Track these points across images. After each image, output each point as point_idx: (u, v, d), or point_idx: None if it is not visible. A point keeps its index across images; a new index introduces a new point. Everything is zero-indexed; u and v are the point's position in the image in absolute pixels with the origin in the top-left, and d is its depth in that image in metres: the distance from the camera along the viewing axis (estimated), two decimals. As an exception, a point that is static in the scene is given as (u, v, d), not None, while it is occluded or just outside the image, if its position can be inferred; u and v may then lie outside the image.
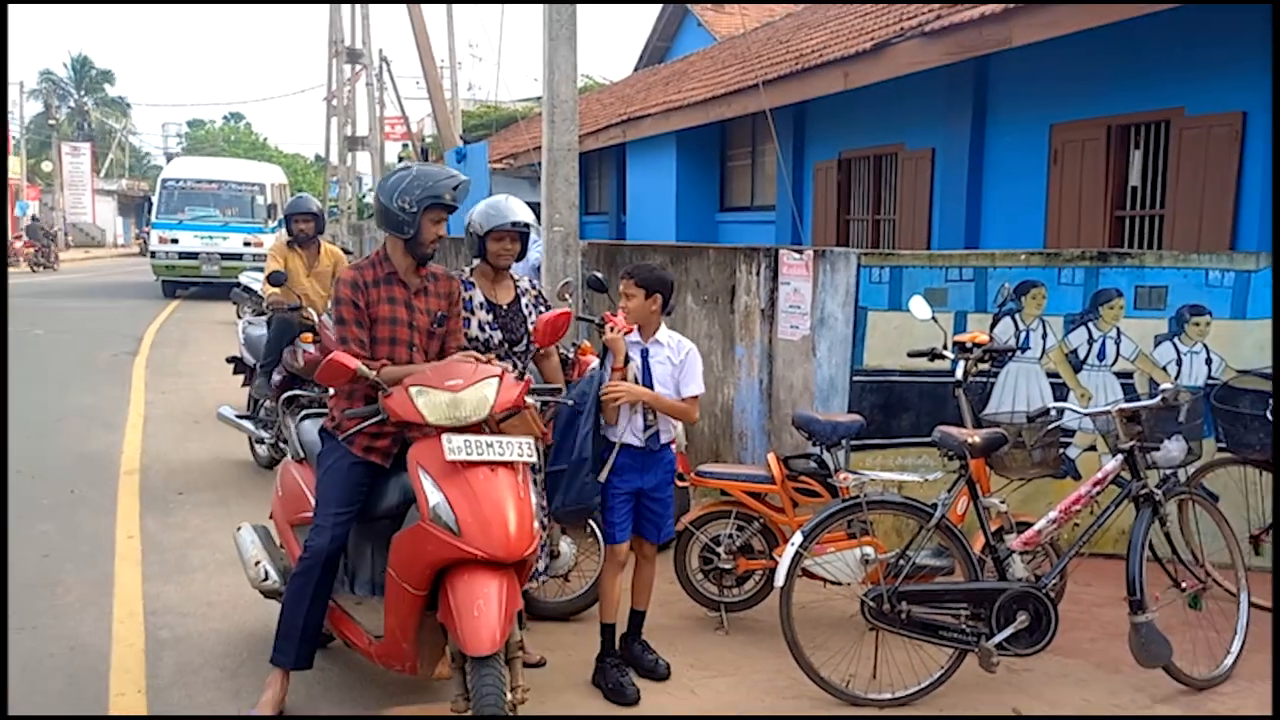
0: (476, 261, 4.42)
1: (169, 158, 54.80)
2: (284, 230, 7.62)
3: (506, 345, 4.31)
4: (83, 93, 65.13)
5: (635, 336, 4.15)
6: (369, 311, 3.83)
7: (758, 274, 6.29)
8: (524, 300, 4.45)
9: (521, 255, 4.43)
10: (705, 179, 14.71)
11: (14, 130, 48.74)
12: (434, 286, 3.99)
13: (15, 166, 46.93)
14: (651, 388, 4.09)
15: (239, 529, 4.40)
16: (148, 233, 22.85)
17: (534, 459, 3.61)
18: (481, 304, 4.33)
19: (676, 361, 4.15)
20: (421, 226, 3.80)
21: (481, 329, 4.31)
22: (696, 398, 4.19)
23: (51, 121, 53.76)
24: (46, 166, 53.73)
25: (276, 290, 7.03)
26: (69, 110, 63.23)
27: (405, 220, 3.78)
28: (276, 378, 7.21)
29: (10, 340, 13.76)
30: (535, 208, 9.41)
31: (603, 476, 4.06)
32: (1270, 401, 4.69)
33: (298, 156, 74.60)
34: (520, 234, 4.33)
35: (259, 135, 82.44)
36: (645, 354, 4.14)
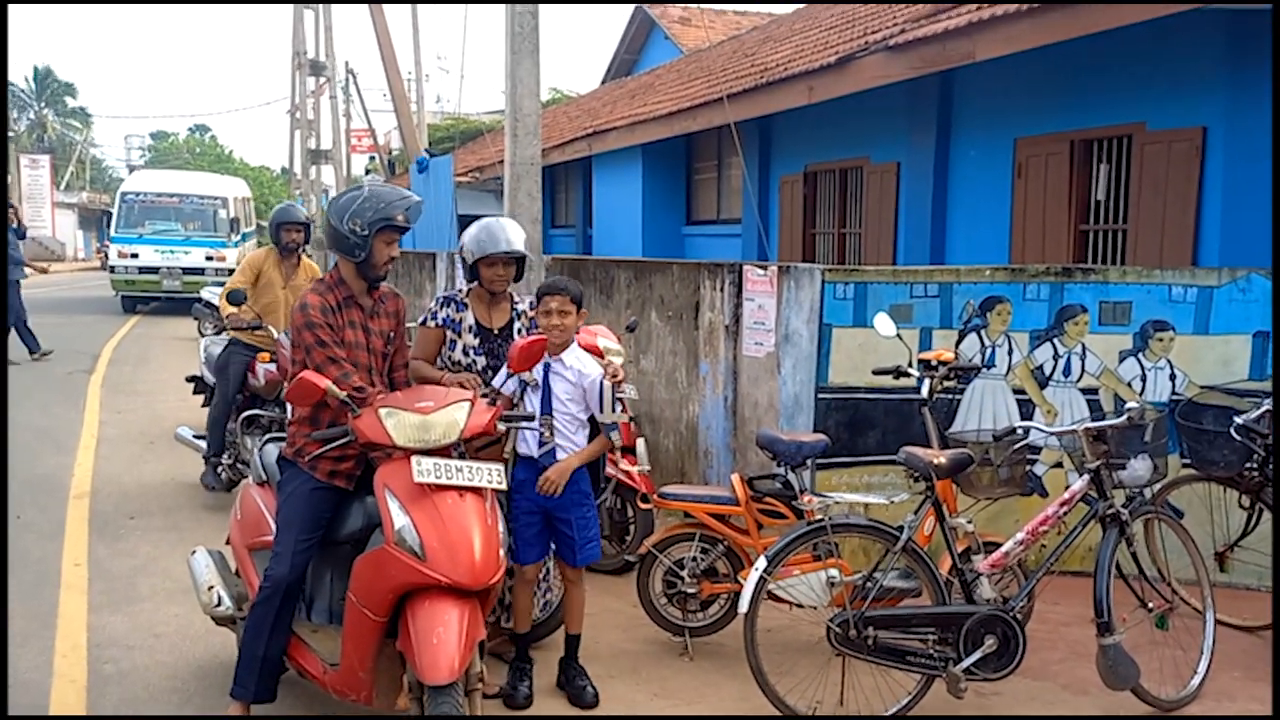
0: (469, 283, 4.33)
1: (132, 170, 54.14)
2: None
3: (492, 371, 4.23)
4: (43, 104, 64.22)
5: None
6: (339, 335, 3.78)
7: (722, 290, 6.22)
8: (518, 324, 4.36)
9: (519, 278, 4.35)
10: (671, 192, 14.68)
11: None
12: (384, 307, 3.97)
13: (-29, 180, 46.17)
14: (550, 404, 4.02)
15: (193, 553, 4.27)
16: (108, 246, 22.45)
17: (504, 486, 3.56)
18: (471, 327, 4.25)
19: (578, 383, 4.05)
20: (373, 249, 3.75)
21: (466, 353, 4.23)
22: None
23: (10, 134, 52.93)
24: (5, 179, 52.83)
25: (234, 309, 6.85)
26: (29, 122, 62.31)
27: (356, 243, 3.72)
28: (241, 399, 7.02)
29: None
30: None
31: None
32: (1234, 418, 4.67)
33: (264, 169, 74.07)
34: (514, 259, 4.25)
35: (225, 148, 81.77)
36: (548, 369, 4.03)
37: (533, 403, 4.02)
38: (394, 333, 3.98)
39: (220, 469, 7.01)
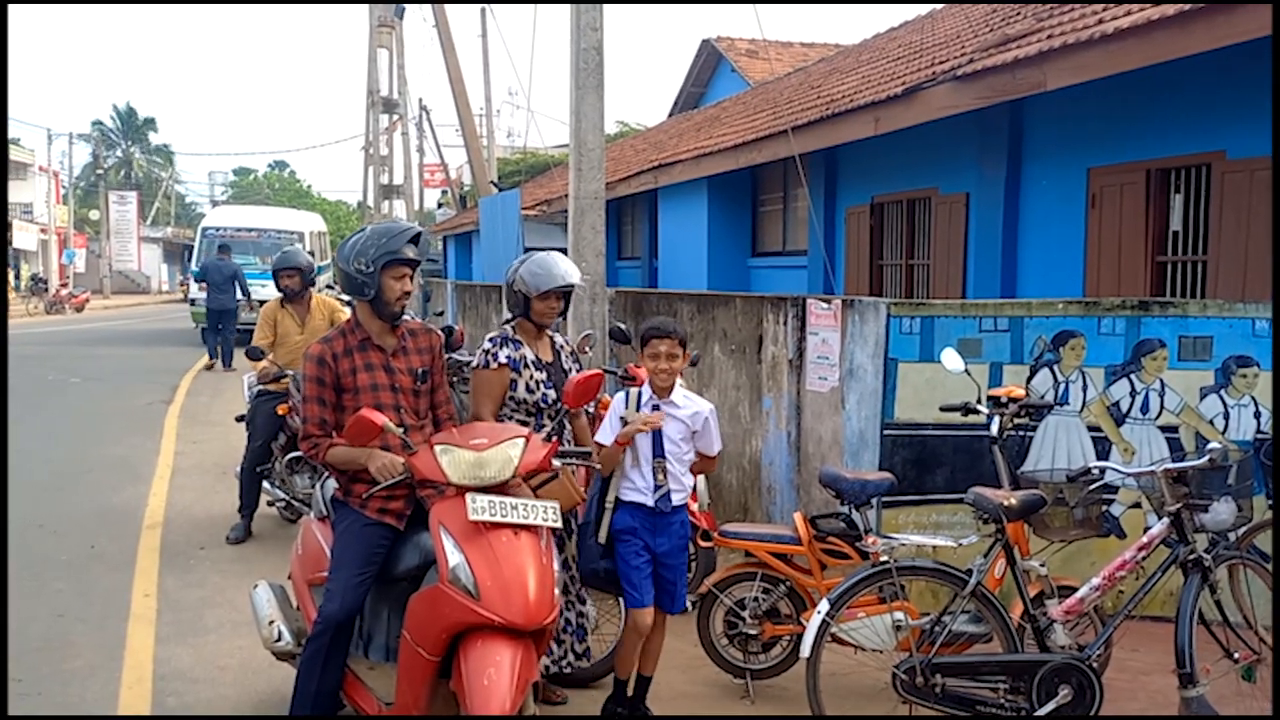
0: (514, 318, 4.34)
1: (214, 204, 55.86)
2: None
3: (558, 406, 4.22)
4: (129, 142, 66.68)
5: (646, 392, 4.04)
6: (349, 381, 3.77)
7: (785, 324, 6.15)
8: (563, 355, 4.42)
9: (566, 311, 4.39)
10: (737, 224, 14.62)
11: (63, 179, 49.97)
12: (412, 343, 3.93)
13: (63, 215, 48.12)
14: (662, 446, 3.99)
15: (255, 587, 4.31)
16: (190, 280, 23.18)
17: (559, 524, 3.52)
18: (534, 361, 4.25)
19: (691, 423, 4.04)
20: (383, 285, 3.74)
21: (531, 389, 4.20)
22: (716, 455, 4.21)
23: (99, 171, 55.05)
24: (94, 215, 54.96)
25: (256, 364, 6.94)
26: (116, 159, 64.72)
27: (365, 281, 3.72)
28: (284, 439, 7.04)
29: (45, 388, 13.94)
30: (565, 253, 9.26)
31: (601, 536, 3.99)
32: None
33: (341, 203, 75.82)
34: (565, 292, 4.30)
35: (303, 183, 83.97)
36: (656, 411, 4.01)
37: (643, 446, 3.98)
38: (428, 369, 3.93)
39: (281, 507, 7.11)
